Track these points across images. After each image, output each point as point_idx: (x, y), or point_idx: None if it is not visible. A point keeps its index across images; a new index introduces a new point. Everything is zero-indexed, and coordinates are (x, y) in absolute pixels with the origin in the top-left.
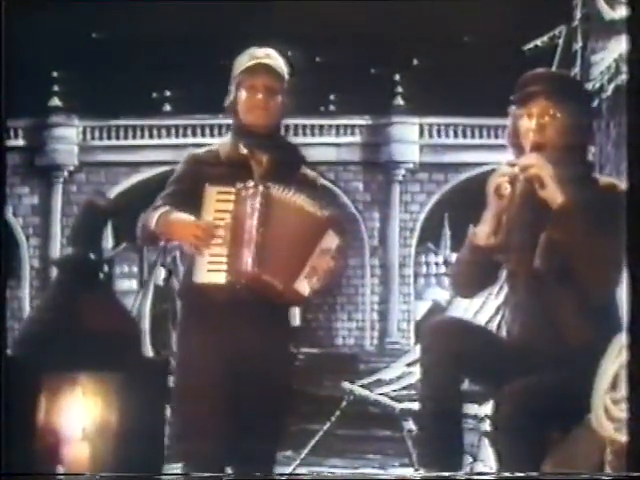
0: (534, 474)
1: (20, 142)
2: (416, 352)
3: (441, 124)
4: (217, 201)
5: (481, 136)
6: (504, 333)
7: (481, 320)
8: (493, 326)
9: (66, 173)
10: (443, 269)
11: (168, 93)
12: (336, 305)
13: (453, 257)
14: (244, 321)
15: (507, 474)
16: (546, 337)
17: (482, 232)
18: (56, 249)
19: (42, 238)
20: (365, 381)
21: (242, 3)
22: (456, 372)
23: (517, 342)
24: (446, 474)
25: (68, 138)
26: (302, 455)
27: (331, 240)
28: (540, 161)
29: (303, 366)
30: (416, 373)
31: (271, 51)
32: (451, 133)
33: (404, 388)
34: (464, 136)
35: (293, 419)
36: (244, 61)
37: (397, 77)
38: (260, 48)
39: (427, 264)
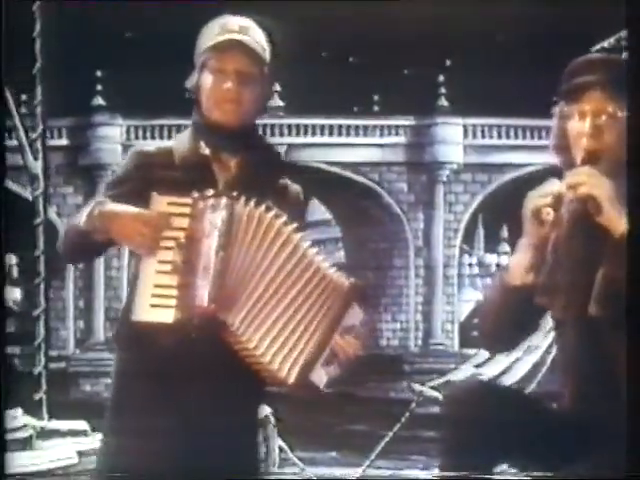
0: (534, 474)
1: (64, 142)
2: (485, 354)
3: (485, 125)
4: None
5: (525, 137)
6: (551, 401)
7: (509, 379)
8: (528, 386)
9: (110, 172)
10: (488, 269)
11: None
12: (380, 306)
13: (486, 258)
14: (198, 377)
15: (509, 476)
16: (608, 406)
17: (517, 268)
18: None
19: None
20: (434, 383)
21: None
22: (489, 454)
23: (571, 412)
24: (452, 474)
25: (112, 137)
26: (372, 457)
27: (355, 315)
28: (595, 177)
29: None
30: (485, 374)
31: (248, 22)
32: (495, 134)
33: None
34: (508, 137)
35: None
36: (212, 33)
37: (441, 78)
38: (234, 17)
39: (470, 265)
